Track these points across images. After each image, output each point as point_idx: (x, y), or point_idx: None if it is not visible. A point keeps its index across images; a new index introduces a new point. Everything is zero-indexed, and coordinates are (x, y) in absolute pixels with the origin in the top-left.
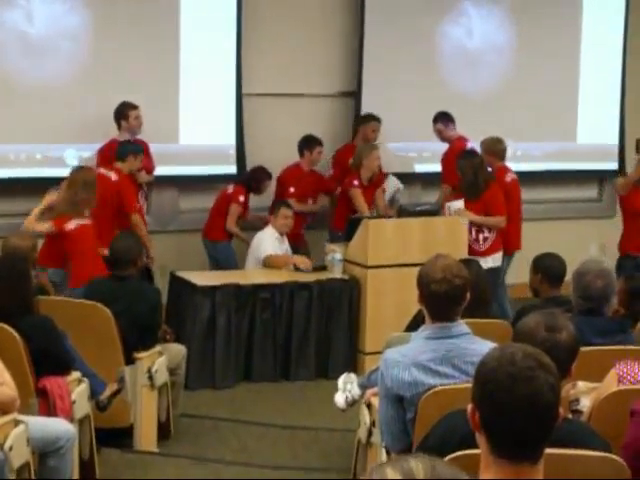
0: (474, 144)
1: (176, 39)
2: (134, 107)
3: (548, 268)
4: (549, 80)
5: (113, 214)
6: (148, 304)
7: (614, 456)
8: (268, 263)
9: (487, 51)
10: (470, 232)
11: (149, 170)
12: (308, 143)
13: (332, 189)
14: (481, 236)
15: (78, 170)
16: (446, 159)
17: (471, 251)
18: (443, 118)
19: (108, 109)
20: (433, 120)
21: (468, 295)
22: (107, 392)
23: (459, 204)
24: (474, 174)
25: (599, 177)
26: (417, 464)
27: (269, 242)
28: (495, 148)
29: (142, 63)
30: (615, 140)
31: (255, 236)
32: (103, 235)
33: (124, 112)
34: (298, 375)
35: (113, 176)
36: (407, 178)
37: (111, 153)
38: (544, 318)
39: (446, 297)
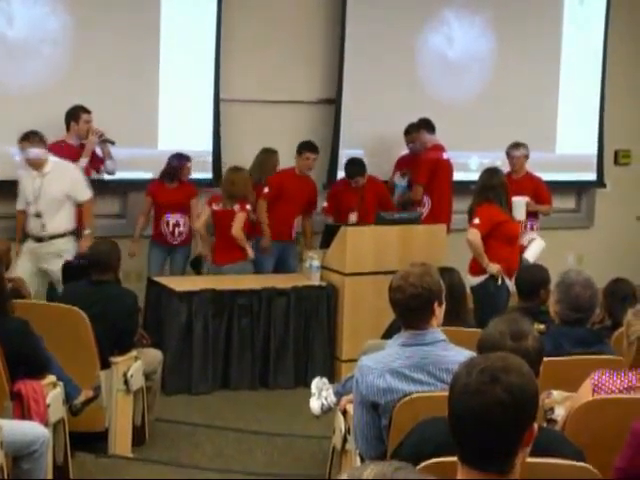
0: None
1: (156, 44)
2: (87, 111)
3: (517, 280)
4: (529, 90)
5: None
6: (124, 308)
7: (587, 465)
8: None
9: (468, 60)
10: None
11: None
12: None
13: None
14: None
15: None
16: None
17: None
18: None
19: None
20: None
21: (437, 305)
22: (82, 398)
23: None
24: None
25: (577, 188)
26: (372, 469)
27: None
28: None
29: (122, 68)
30: (594, 151)
31: None
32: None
33: (76, 114)
34: (276, 382)
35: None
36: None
37: (60, 154)
38: (507, 327)
39: (404, 305)
